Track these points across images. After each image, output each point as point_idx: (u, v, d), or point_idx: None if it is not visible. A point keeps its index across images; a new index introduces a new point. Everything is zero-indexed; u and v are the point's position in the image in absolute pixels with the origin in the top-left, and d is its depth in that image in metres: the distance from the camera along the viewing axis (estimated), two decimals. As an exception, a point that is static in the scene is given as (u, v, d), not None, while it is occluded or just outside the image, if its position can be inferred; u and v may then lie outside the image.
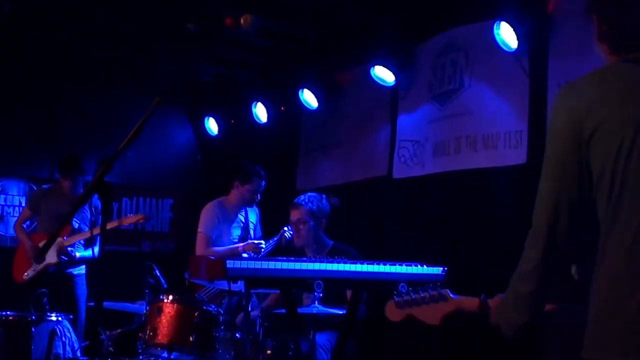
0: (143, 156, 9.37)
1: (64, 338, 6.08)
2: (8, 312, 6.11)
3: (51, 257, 7.24)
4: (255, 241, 6.79)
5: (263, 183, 7.03)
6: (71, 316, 6.46)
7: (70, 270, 7.44)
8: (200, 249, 6.83)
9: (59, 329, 6.10)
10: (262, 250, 6.65)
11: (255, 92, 8.68)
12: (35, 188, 8.69)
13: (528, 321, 2.49)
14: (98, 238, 7.30)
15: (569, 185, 2.36)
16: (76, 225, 7.41)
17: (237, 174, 7.05)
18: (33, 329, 5.95)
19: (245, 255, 6.55)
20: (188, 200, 9.58)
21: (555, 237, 2.39)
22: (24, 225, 7.71)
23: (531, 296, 2.46)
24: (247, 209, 7.17)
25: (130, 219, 7.56)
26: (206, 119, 9.67)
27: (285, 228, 6.74)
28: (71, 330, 6.24)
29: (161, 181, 10.03)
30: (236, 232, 7.03)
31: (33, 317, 6.02)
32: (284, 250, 6.56)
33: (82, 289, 7.47)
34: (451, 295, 2.73)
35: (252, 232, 7.16)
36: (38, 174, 9.10)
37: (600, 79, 2.43)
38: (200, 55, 8.36)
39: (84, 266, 7.53)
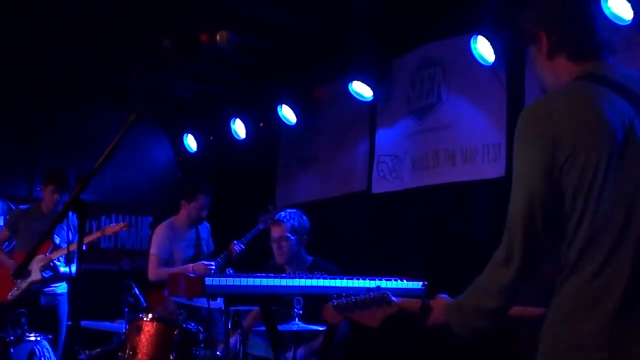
0: (122, 174, 9.35)
1: (43, 359, 6.03)
2: (-14, 333, 6.06)
3: (35, 275, 7.15)
4: (205, 262, 6.81)
5: (208, 199, 7.11)
6: (50, 336, 6.40)
7: (53, 289, 7.34)
8: (151, 270, 6.92)
9: (38, 349, 6.05)
10: (212, 270, 6.67)
11: (234, 108, 8.68)
12: (13, 207, 8.59)
13: (487, 328, 2.49)
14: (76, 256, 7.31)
15: (541, 207, 2.35)
16: (57, 241, 7.34)
17: (182, 193, 7.17)
18: (12, 350, 5.91)
19: None
20: (167, 218, 9.54)
21: (532, 257, 2.39)
22: (3, 247, 7.59)
23: (494, 312, 2.47)
24: (200, 229, 7.19)
25: (113, 228, 7.52)
26: (185, 135, 9.64)
27: (235, 241, 6.93)
28: (50, 350, 6.18)
29: (140, 199, 9.98)
30: (189, 251, 7.04)
31: (12, 338, 5.96)
32: (263, 266, 6.54)
33: (64, 308, 7.38)
34: (392, 298, 2.72)
35: (204, 247, 7.18)
36: (15, 192, 9.02)
37: (566, 101, 2.42)
38: (178, 71, 8.35)
39: (65, 285, 7.44)
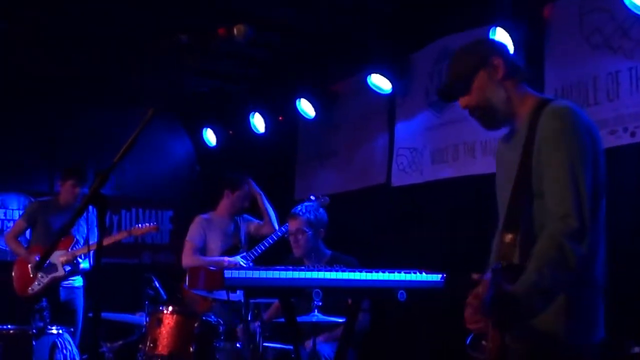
0: (142, 169, 9.40)
1: (65, 351, 6.08)
2: (9, 326, 6.11)
3: (59, 270, 7.22)
4: (242, 257, 6.85)
5: (247, 188, 7.28)
6: (72, 329, 6.45)
7: (71, 282, 7.42)
8: (185, 257, 7.01)
9: (60, 342, 6.09)
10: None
11: (253, 102, 8.69)
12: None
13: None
14: (91, 251, 7.33)
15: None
16: (77, 238, 7.40)
17: (227, 183, 7.26)
18: (34, 343, 5.96)
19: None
20: (188, 212, 9.55)
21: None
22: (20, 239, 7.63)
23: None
24: (240, 221, 7.24)
25: (140, 230, 7.57)
26: (204, 130, 9.68)
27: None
28: (72, 343, 6.22)
29: (161, 193, 10.04)
30: (227, 242, 7.10)
31: (34, 331, 6.02)
32: (282, 260, 6.57)
33: (81, 302, 7.46)
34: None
35: (243, 240, 7.23)
36: (37, 188, 9.10)
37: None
38: (196, 67, 8.37)
39: (81, 279, 7.51)
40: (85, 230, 7.44)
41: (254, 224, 7.35)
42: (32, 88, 8.83)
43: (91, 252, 7.39)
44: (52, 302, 6.43)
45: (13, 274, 7.39)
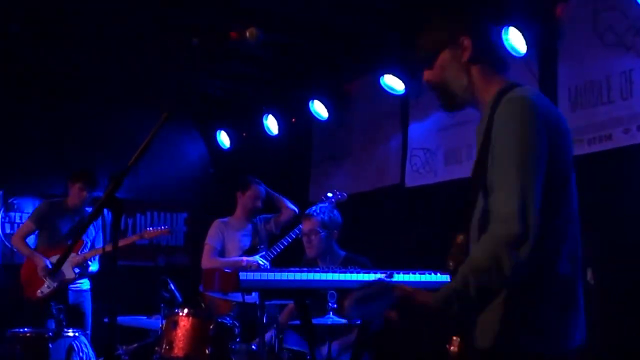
0: (156, 171, 9.42)
1: (81, 353, 6.09)
2: (25, 329, 6.14)
3: (68, 273, 7.22)
4: (260, 261, 6.87)
5: (261, 188, 7.29)
6: (88, 332, 6.47)
7: (79, 285, 7.40)
8: (205, 259, 7.08)
9: (77, 344, 6.11)
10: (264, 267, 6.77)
11: (266, 104, 8.71)
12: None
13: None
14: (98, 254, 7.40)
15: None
16: (86, 241, 7.40)
17: (236, 186, 7.35)
18: (50, 345, 5.97)
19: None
20: (202, 214, 9.58)
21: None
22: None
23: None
24: (258, 222, 7.26)
25: (152, 233, 7.58)
26: (218, 132, 9.71)
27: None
28: (88, 345, 6.23)
29: (175, 195, 10.06)
30: (245, 242, 7.12)
31: (50, 334, 6.04)
32: (296, 261, 6.57)
33: (89, 304, 7.43)
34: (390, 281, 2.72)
35: (261, 240, 7.25)
36: (52, 191, 9.11)
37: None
38: (210, 69, 8.39)
39: (88, 282, 7.50)
40: (94, 233, 7.46)
41: (271, 219, 7.37)
42: (46, 91, 8.87)
43: (98, 255, 7.43)
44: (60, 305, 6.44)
45: (21, 276, 7.35)
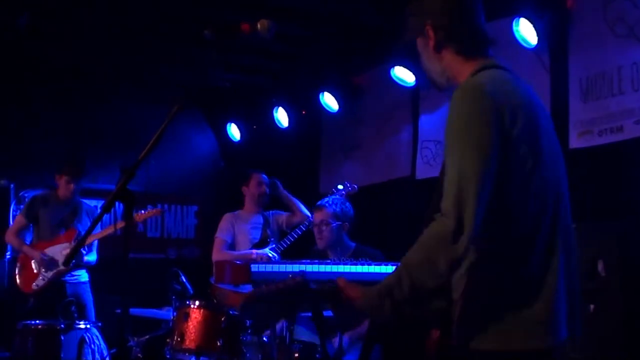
0: (167, 164, 9.45)
1: (93, 345, 6.11)
2: (37, 321, 6.16)
3: (62, 264, 7.12)
4: (270, 254, 6.86)
5: (263, 176, 7.29)
6: (100, 324, 6.48)
7: (76, 278, 7.32)
8: (215, 252, 7.08)
9: (88, 336, 6.13)
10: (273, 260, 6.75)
11: (276, 97, 8.71)
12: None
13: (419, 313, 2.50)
14: (95, 244, 7.36)
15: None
16: (79, 231, 7.34)
17: (238, 180, 7.43)
18: (62, 337, 6.00)
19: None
20: (213, 207, 9.60)
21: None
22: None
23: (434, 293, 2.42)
24: (269, 215, 7.26)
25: (143, 215, 7.50)
26: (228, 125, 9.71)
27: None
28: (100, 337, 6.25)
29: (185, 188, 10.08)
30: (255, 235, 7.12)
31: (62, 326, 6.06)
32: (306, 253, 6.58)
33: (89, 296, 7.36)
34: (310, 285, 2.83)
35: (271, 232, 7.25)
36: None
37: (503, 83, 2.48)
38: (220, 62, 8.39)
39: (86, 274, 7.41)
40: (89, 223, 7.37)
41: (283, 216, 7.36)
42: (59, 83, 8.88)
43: (95, 246, 7.37)
44: (58, 299, 6.44)
45: (16, 270, 7.30)
